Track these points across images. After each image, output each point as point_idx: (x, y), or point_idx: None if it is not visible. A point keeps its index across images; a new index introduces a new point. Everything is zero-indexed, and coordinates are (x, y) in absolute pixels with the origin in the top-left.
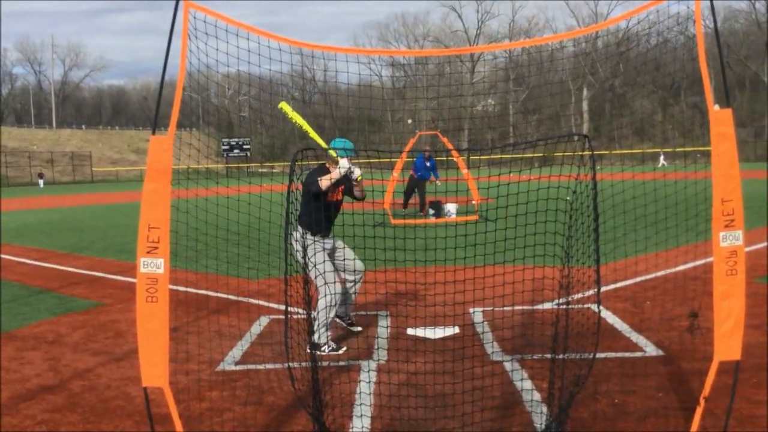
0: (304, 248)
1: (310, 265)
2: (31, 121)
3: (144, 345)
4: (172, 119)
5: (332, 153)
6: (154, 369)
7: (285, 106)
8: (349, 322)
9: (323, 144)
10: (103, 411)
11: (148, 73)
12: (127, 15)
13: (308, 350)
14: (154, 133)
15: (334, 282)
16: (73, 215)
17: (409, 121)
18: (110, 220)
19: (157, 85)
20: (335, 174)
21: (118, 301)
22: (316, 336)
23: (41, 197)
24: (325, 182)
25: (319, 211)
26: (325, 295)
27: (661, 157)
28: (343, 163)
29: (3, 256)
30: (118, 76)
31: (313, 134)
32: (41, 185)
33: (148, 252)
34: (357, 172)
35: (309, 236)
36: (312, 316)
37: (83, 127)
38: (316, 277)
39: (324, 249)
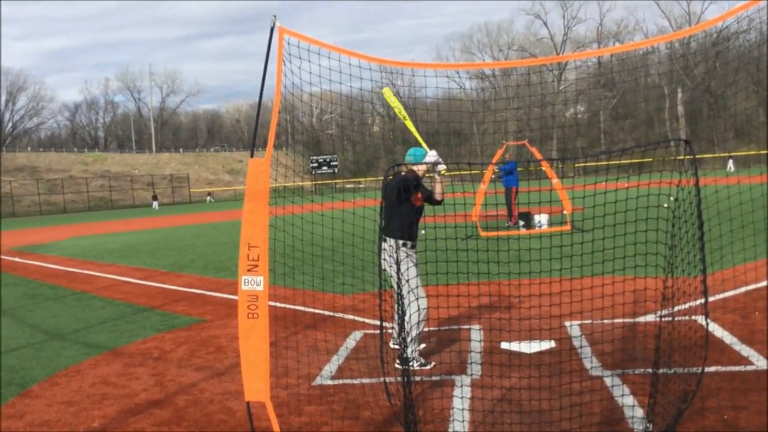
0: (398, 261)
1: (403, 279)
2: (132, 146)
3: (246, 360)
4: (269, 142)
5: (424, 147)
6: (257, 384)
7: (387, 92)
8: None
9: (419, 137)
10: (206, 425)
11: (239, 96)
12: (217, 40)
13: (396, 365)
14: (252, 155)
15: (425, 296)
16: (174, 235)
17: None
18: (208, 239)
19: (248, 108)
20: (429, 158)
21: (218, 317)
22: (409, 350)
23: (146, 219)
24: (422, 168)
25: (410, 217)
26: (418, 310)
27: (730, 162)
28: (433, 153)
29: (109, 276)
30: (211, 101)
31: (410, 125)
32: (155, 207)
33: (248, 270)
34: (442, 166)
35: (402, 247)
36: (405, 330)
37: (181, 150)
38: (409, 292)
39: (416, 263)
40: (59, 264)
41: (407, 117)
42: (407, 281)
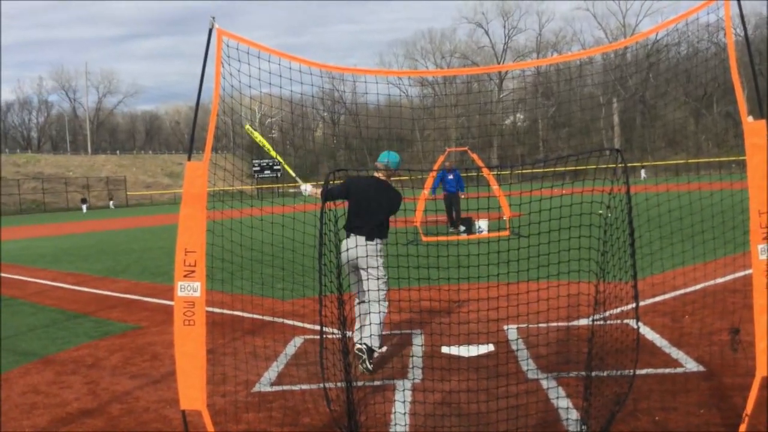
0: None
1: (384, 273)
2: (66, 147)
3: (182, 368)
4: (207, 145)
5: (299, 181)
6: (192, 392)
7: (249, 129)
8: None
9: (288, 168)
10: None
11: (177, 98)
12: (153, 41)
13: (369, 365)
14: (189, 158)
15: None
16: (109, 239)
17: (447, 150)
18: (146, 243)
19: (187, 110)
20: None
21: (154, 323)
22: (378, 342)
23: (80, 222)
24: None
25: None
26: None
27: (642, 171)
28: (304, 187)
29: (40, 281)
30: (150, 102)
31: (276, 156)
32: (84, 210)
33: (185, 276)
34: (308, 191)
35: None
36: (374, 330)
37: (118, 152)
38: (389, 287)
39: None
40: None
41: (278, 154)
42: (386, 273)
